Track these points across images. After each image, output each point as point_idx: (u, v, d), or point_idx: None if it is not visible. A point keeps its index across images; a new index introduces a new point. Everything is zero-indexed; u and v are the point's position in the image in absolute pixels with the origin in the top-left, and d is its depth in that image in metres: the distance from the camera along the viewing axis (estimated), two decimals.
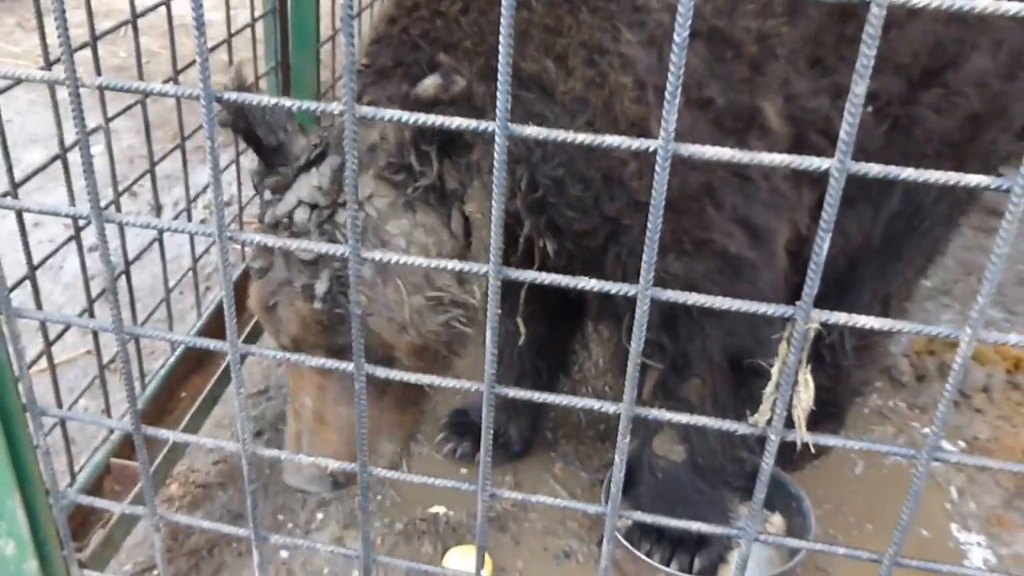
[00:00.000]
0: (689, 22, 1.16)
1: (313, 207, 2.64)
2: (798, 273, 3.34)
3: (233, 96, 1.36)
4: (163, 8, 3.48)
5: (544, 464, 4.34)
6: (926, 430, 4.59)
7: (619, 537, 3.61)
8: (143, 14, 3.32)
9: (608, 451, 4.35)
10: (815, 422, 4.02)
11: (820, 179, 3.12)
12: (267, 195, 2.78)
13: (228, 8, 4.04)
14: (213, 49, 3.73)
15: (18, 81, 1.44)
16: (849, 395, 4.22)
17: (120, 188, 3.49)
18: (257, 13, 4.38)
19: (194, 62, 3.78)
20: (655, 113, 2.79)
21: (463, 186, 2.70)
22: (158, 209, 3.73)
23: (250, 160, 2.98)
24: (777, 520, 3.93)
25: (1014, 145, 3.38)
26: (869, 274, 3.65)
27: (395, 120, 1.33)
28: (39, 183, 3.01)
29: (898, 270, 3.72)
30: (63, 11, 1.28)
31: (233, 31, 4.09)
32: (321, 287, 2.60)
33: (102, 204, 3.20)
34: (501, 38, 1.20)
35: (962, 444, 4.53)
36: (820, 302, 3.51)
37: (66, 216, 1.51)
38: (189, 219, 4.02)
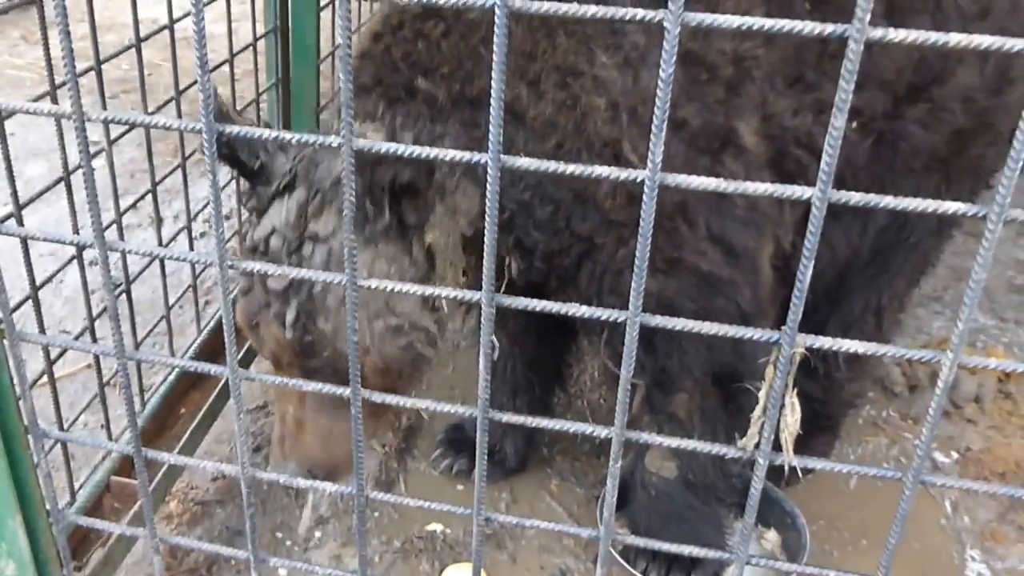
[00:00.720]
0: (674, 58, 1.18)
1: (284, 236, 2.73)
2: (786, 286, 3.37)
3: (234, 130, 1.39)
4: (163, 19, 3.52)
5: (540, 480, 4.35)
6: (918, 442, 4.58)
7: (615, 555, 3.63)
8: (146, 38, 3.35)
9: (604, 466, 4.34)
10: (810, 434, 4.07)
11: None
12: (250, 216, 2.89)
13: (230, 24, 4.09)
14: (216, 68, 3.78)
15: (25, 112, 1.47)
16: (843, 407, 4.24)
17: (122, 201, 3.54)
18: (260, 31, 4.43)
19: (194, 83, 3.81)
20: (627, 134, 2.83)
21: (421, 219, 2.78)
22: (159, 223, 3.75)
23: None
24: (772, 536, 3.95)
25: (1003, 159, 3.40)
26: (859, 286, 3.67)
27: (390, 152, 1.36)
28: (41, 197, 3.05)
29: (889, 282, 3.74)
30: (71, 49, 1.30)
31: (236, 49, 4.15)
32: (290, 315, 2.71)
33: (104, 219, 3.24)
34: (494, 72, 1.23)
35: (955, 455, 4.56)
36: (812, 315, 3.55)
37: (70, 244, 1.54)
38: (190, 235, 4.05)
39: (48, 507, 2.01)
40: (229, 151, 2.77)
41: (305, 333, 2.73)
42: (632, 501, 3.78)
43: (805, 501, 4.09)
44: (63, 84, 2.86)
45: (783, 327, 1.39)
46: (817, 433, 4.22)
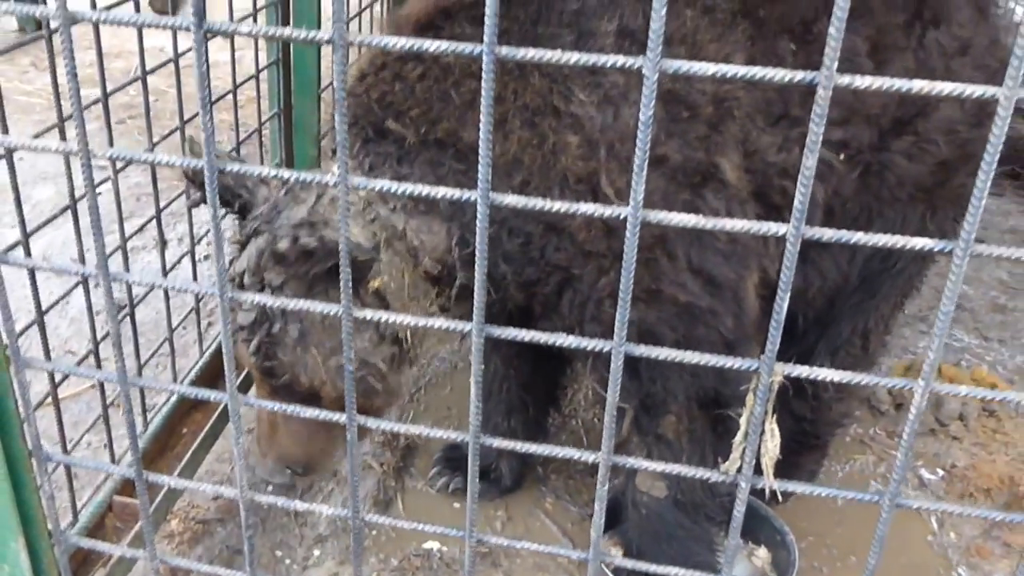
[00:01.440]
0: (653, 102, 1.22)
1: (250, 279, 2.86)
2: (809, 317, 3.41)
3: (235, 167, 1.42)
4: (169, 47, 3.55)
5: (535, 499, 4.37)
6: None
7: (607, 572, 3.65)
8: (152, 71, 3.40)
9: (592, 488, 4.35)
10: (799, 452, 4.09)
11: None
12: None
13: (233, 55, 4.15)
14: (220, 99, 3.81)
15: (32, 149, 1.50)
16: (831, 426, 4.27)
17: (128, 224, 3.58)
18: (262, 61, 4.49)
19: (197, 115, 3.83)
20: (605, 168, 2.86)
21: (362, 273, 2.88)
22: (163, 248, 3.78)
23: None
24: (763, 553, 3.97)
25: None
26: (848, 311, 3.70)
27: (380, 189, 1.39)
28: (49, 215, 3.09)
29: (875, 306, 3.76)
30: (78, 89, 1.33)
31: (239, 79, 4.22)
32: (253, 345, 2.90)
33: (110, 241, 3.26)
34: (483, 116, 1.26)
35: (941, 472, 4.58)
36: (802, 339, 3.57)
37: (74, 274, 1.57)
38: (193, 259, 4.08)
39: (50, 528, 2.03)
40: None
41: (267, 360, 2.92)
42: (624, 520, 3.80)
43: (794, 518, 4.11)
44: (70, 117, 2.90)
45: (761, 356, 1.42)
46: (806, 451, 4.24)
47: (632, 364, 3.12)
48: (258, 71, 4.47)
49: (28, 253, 2.85)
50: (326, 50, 4.78)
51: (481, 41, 1.21)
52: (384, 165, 2.96)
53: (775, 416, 1.68)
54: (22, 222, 2.82)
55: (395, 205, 2.96)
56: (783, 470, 3.74)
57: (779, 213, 3.09)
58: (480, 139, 1.28)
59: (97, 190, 3.38)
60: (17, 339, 1.63)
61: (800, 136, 3.03)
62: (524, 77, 2.85)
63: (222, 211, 3.48)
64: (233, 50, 4.11)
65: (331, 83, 5.10)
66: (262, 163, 4.69)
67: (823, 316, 3.67)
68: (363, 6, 5.84)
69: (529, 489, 4.42)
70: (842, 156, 3.14)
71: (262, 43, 4.47)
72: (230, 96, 4.19)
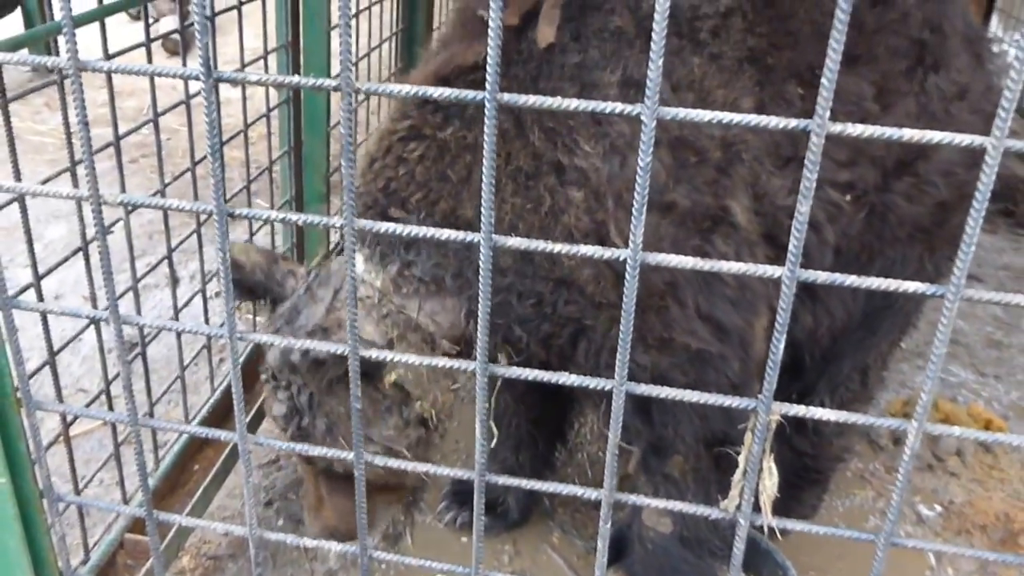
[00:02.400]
0: (651, 148, 1.23)
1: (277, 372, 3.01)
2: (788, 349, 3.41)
3: (243, 212, 1.43)
4: (182, 83, 3.57)
5: (542, 533, 4.35)
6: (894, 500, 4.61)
7: None
8: (163, 113, 3.41)
9: (599, 522, 4.33)
10: (800, 487, 4.08)
11: (805, 262, 3.19)
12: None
13: (244, 93, 4.17)
14: (231, 139, 3.83)
15: (44, 195, 1.51)
16: (832, 461, 4.26)
17: (140, 262, 3.60)
18: (273, 100, 4.51)
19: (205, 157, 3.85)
20: (613, 218, 2.85)
21: (383, 365, 2.94)
22: (174, 286, 3.79)
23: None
24: None
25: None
26: (849, 348, 3.71)
27: (387, 231, 1.40)
28: (62, 253, 3.10)
29: (875, 343, 3.78)
30: (89, 138, 1.35)
31: (251, 117, 4.23)
32: (288, 436, 3.06)
33: (122, 281, 3.27)
34: (485, 161, 1.27)
35: (938, 508, 4.56)
36: (804, 375, 3.56)
37: (85, 317, 1.58)
38: (204, 298, 4.08)
39: (61, 568, 2.03)
40: (244, 289, 3.09)
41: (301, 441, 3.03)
42: (630, 554, 3.79)
43: (797, 553, 4.08)
44: (80, 162, 2.91)
45: (759, 395, 1.43)
46: (807, 486, 4.24)
47: (644, 408, 3.13)
48: (268, 110, 4.50)
49: (40, 296, 2.85)
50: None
51: (478, 107, 1.23)
52: (393, 253, 2.99)
53: (773, 453, 1.68)
54: (34, 265, 2.83)
55: (407, 290, 2.98)
56: (784, 505, 3.74)
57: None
58: (483, 184, 1.29)
59: (110, 229, 3.37)
60: (29, 379, 1.64)
61: (822, 164, 3.03)
62: (522, 136, 2.87)
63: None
64: (244, 90, 4.12)
65: (339, 122, 5.16)
66: (272, 199, 4.70)
67: (827, 354, 3.67)
68: (371, 47, 5.86)
69: (536, 523, 4.40)
70: (849, 197, 3.15)
71: None
72: (242, 134, 4.21)
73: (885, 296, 3.56)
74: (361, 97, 5.64)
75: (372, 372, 2.90)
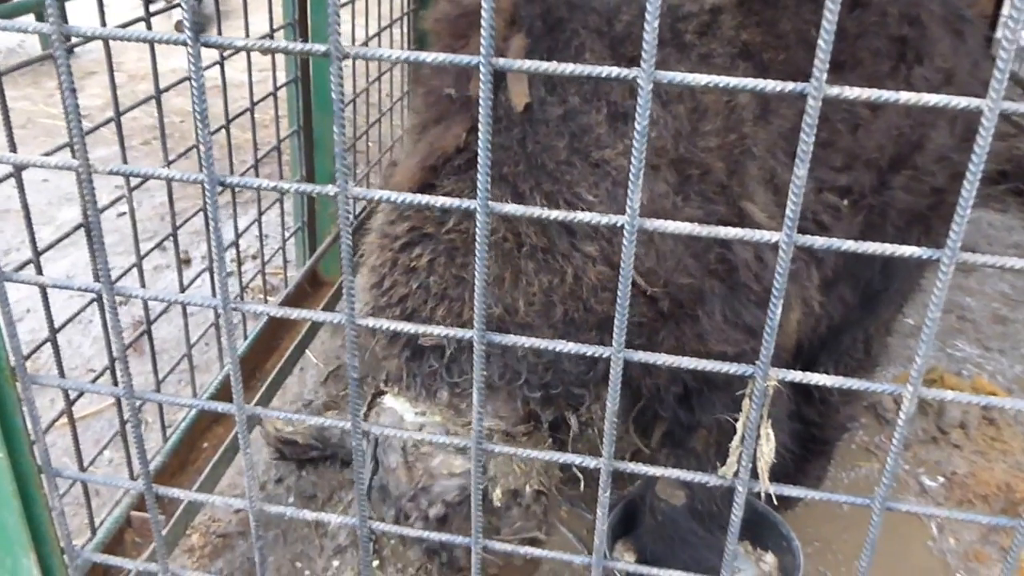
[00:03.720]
0: (648, 112, 1.20)
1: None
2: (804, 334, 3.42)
3: (234, 180, 1.40)
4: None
5: (550, 506, 4.33)
6: (907, 467, 4.62)
7: None
8: (166, 90, 3.37)
9: (612, 494, 4.31)
10: (806, 459, 4.08)
11: (825, 258, 3.19)
12: None
13: (250, 71, 4.12)
14: (236, 117, 3.80)
15: (36, 166, 1.48)
16: (837, 430, 4.27)
17: (151, 243, 3.58)
18: (280, 80, 4.48)
19: (222, 127, 3.80)
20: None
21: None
22: (180, 265, 3.77)
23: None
24: (770, 559, 3.96)
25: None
26: (852, 324, 3.72)
27: (386, 200, 1.37)
28: (73, 237, 3.07)
29: (875, 318, 3.81)
30: (76, 105, 1.32)
31: (258, 98, 4.19)
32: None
33: (132, 261, 3.25)
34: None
35: (941, 479, 4.58)
36: (807, 350, 3.56)
37: (78, 290, 1.55)
38: (212, 276, 4.06)
39: (63, 545, 2.01)
40: (304, 459, 3.22)
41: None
42: (639, 525, 3.80)
43: (802, 525, 4.12)
44: (92, 131, 2.88)
45: (756, 362, 1.40)
46: (813, 457, 4.24)
47: (685, 397, 3.13)
48: (276, 88, 4.44)
49: (40, 271, 2.81)
50: (344, 66, 4.78)
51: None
52: (436, 380, 2.92)
53: (770, 421, 1.66)
54: (32, 240, 2.78)
55: (464, 406, 2.93)
56: (790, 477, 3.73)
57: (813, 254, 3.10)
58: (479, 149, 1.26)
59: (121, 210, 3.35)
60: (29, 356, 1.61)
61: (813, 179, 3.05)
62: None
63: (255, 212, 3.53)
64: (250, 67, 4.09)
65: (352, 100, 5.13)
66: (281, 179, 4.68)
67: (835, 330, 3.67)
68: (381, 28, 5.83)
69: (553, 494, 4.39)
70: (846, 202, 3.15)
71: (280, 62, 4.45)
72: (250, 114, 4.16)
73: (885, 278, 3.58)
74: (349, 63, 5.61)
75: (483, 496, 2.85)
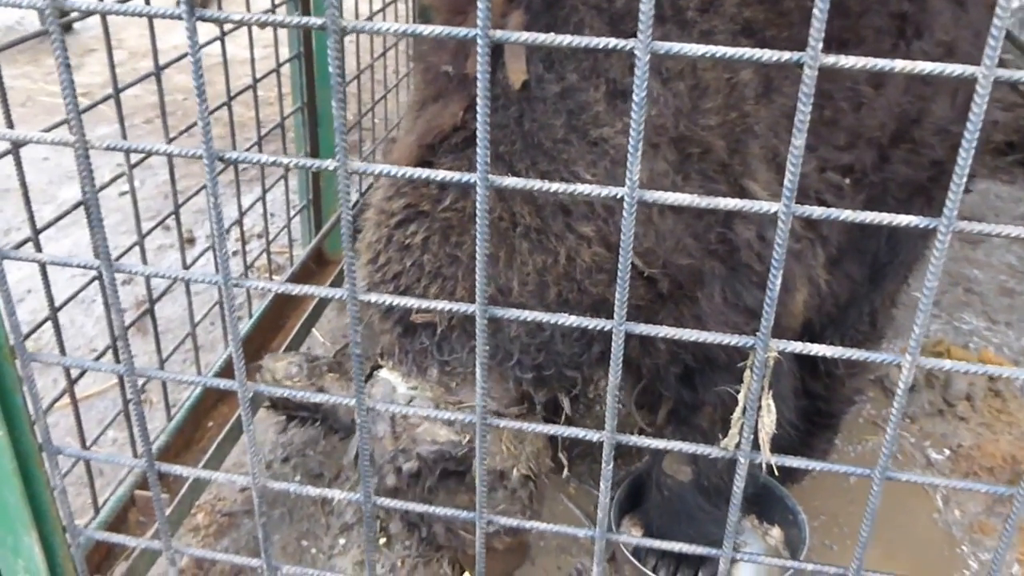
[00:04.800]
0: (645, 83, 1.20)
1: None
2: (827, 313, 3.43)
3: (233, 155, 1.40)
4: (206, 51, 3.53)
5: (558, 484, 4.33)
6: (914, 440, 4.63)
7: (626, 553, 3.67)
8: (165, 66, 3.35)
9: (620, 469, 4.37)
10: (812, 432, 4.10)
11: (830, 236, 3.19)
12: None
13: (252, 51, 4.08)
14: (239, 94, 3.79)
15: (32, 142, 1.48)
16: (843, 404, 4.27)
17: (154, 223, 3.60)
18: (283, 56, 4.46)
19: (224, 104, 3.79)
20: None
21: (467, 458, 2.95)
22: (182, 244, 3.76)
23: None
24: (776, 533, 3.97)
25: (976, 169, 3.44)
26: (859, 298, 3.72)
27: (386, 174, 1.37)
28: (75, 217, 3.06)
29: (881, 291, 3.81)
30: (71, 80, 1.32)
31: (259, 75, 4.15)
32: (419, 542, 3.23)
33: (134, 239, 3.25)
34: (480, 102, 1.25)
35: (947, 452, 4.58)
36: (825, 324, 3.58)
37: (77, 267, 1.55)
38: (215, 254, 4.05)
39: (65, 524, 2.02)
40: (294, 409, 3.10)
41: (437, 549, 3.29)
42: (645, 500, 3.83)
43: (808, 498, 4.13)
44: (89, 108, 2.88)
45: (757, 333, 1.41)
46: (819, 431, 4.24)
47: (688, 376, 3.13)
48: (279, 64, 4.40)
49: (39, 249, 2.80)
50: (348, 43, 4.76)
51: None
52: (427, 358, 2.91)
53: (771, 392, 1.67)
54: (31, 218, 2.77)
55: (455, 383, 2.92)
56: (796, 450, 3.73)
57: (814, 227, 3.09)
58: (478, 123, 1.26)
59: (123, 189, 3.33)
60: (29, 335, 1.62)
61: (815, 159, 3.04)
62: (519, 190, 2.79)
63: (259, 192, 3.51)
64: (251, 43, 4.05)
65: (356, 76, 5.12)
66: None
67: (843, 304, 3.67)
68: (385, 3, 5.81)
69: (552, 474, 4.38)
70: (848, 180, 3.14)
71: (284, 38, 4.43)
72: (253, 91, 4.13)
73: (889, 252, 3.59)
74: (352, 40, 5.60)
75: (465, 469, 2.88)
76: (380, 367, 3.00)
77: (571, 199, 2.74)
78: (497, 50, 2.73)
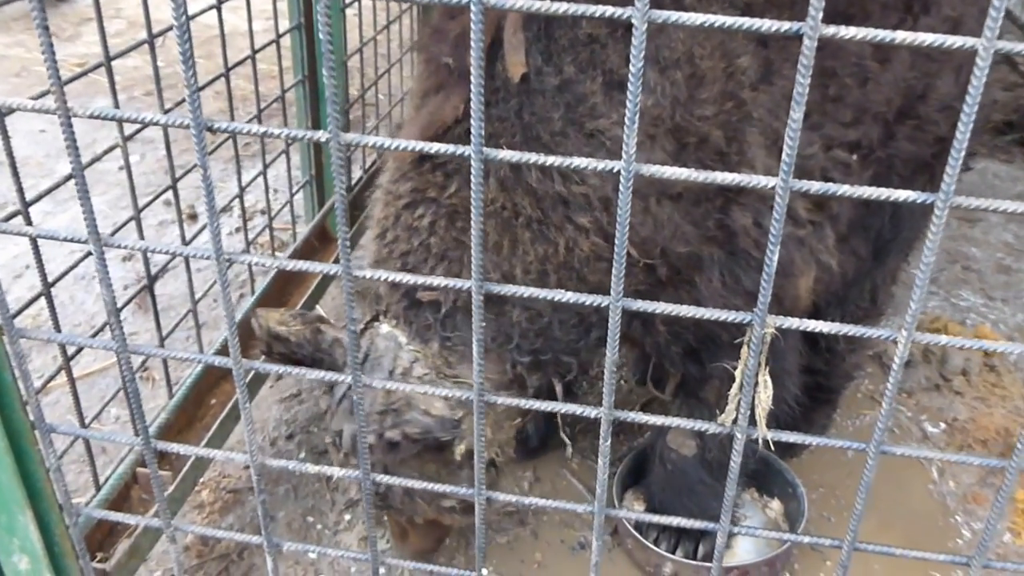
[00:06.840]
0: (642, 53, 1.17)
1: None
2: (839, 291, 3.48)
3: (221, 125, 1.37)
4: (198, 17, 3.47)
5: (561, 459, 4.34)
6: (910, 414, 4.63)
7: (628, 527, 3.70)
8: (159, 34, 3.30)
9: (622, 444, 4.39)
10: (812, 408, 4.10)
11: (840, 213, 3.20)
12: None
13: (251, 21, 4.03)
14: (237, 64, 3.74)
15: (17, 109, 1.45)
16: (843, 379, 4.29)
17: (151, 197, 3.58)
18: (282, 27, 4.38)
19: (220, 75, 3.74)
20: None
21: (455, 437, 2.99)
22: (181, 221, 3.74)
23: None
24: (776, 505, 3.99)
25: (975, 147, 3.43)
26: (862, 275, 3.72)
27: (378, 147, 1.34)
28: (71, 192, 3.03)
29: (883, 267, 3.81)
30: (51, 44, 1.28)
31: (257, 46, 4.09)
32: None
33: (129, 215, 3.21)
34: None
35: (943, 425, 4.60)
36: (834, 299, 3.58)
37: (64, 240, 1.52)
38: (212, 230, 4.01)
39: (61, 502, 1.99)
40: (291, 360, 2.96)
41: (392, 510, 3.30)
42: (648, 474, 3.84)
43: (807, 471, 4.16)
44: (75, 77, 2.83)
45: (754, 309, 1.39)
46: (818, 406, 4.25)
47: (694, 353, 3.14)
48: (278, 36, 4.30)
49: (29, 222, 2.73)
50: (350, 15, 4.72)
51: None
52: (430, 332, 2.94)
53: (767, 368, 1.65)
54: (19, 190, 2.69)
55: (454, 359, 2.95)
56: (795, 425, 3.72)
57: (823, 208, 3.10)
58: (472, 93, 1.23)
59: (124, 165, 3.27)
60: (21, 312, 1.59)
61: (822, 138, 3.03)
62: (521, 181, 2.78)
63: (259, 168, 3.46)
64: (250, 13, 4.01)
65: (358, 51, 5.08)
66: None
67: (848, 282, 3.66)
68: (390, 19, 5.78)
69: (556, 450, 4.38)
70: (855, 156, 3.13)
71: (283, 10, 4.37)
72: (251, 62, 4.07)
73: (893, 228, 3.59)
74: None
75: (445, 445, 2.92)
76: (380, 321, 3.02)
77: (569, 192, 2.74)
78: (497, 43, 2.73)
